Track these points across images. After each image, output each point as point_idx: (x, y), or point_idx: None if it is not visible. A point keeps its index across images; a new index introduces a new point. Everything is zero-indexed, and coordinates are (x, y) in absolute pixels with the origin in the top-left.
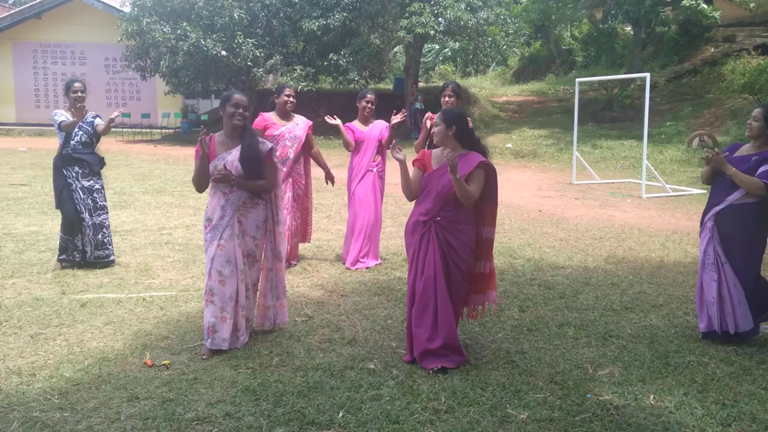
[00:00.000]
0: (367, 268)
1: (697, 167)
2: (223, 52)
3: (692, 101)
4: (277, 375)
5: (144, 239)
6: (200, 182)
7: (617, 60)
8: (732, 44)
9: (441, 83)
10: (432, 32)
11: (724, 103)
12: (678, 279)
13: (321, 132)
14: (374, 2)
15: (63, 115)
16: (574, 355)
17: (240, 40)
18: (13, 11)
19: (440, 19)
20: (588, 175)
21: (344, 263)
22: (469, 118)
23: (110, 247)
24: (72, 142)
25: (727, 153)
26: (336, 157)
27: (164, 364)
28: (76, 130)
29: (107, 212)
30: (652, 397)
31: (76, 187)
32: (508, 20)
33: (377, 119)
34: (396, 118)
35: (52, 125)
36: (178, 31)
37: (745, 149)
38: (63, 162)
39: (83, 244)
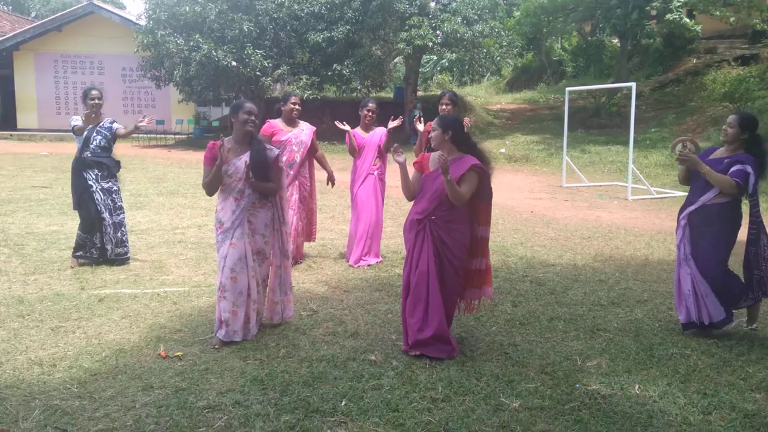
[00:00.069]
0: (368, 265)
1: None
2: (234, 63)
3: (676, 109)
4: (283, 366)
5: (158, 238)
6: (213, 186)
7: (605, 70)
8: (713, 55)
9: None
10: (430, 44)
11: (705, 110)
12: (662, 276)
13: (325, 137)
14: (376, 16)
15: (78, 121)
16: (564, 348)
17: (249, 51)
18: (35, 24)
19: (438, 32)
20: (577, 179)
21: (347, 261)
22: (467, 118)
23: (127, 245)
24: (91, 146)
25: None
26: (339, 162)
27: (177, 356)
28: (95, 134)
29: (124, 212)
30: (637, 387)
31: (97, 188)
32: (502, 33)
33: (378, 126)
34: (393, 123)
35: (71, 131)
36: (191, 43)
37: (719, 152)
38: (83, 165)
39: (104, 243)
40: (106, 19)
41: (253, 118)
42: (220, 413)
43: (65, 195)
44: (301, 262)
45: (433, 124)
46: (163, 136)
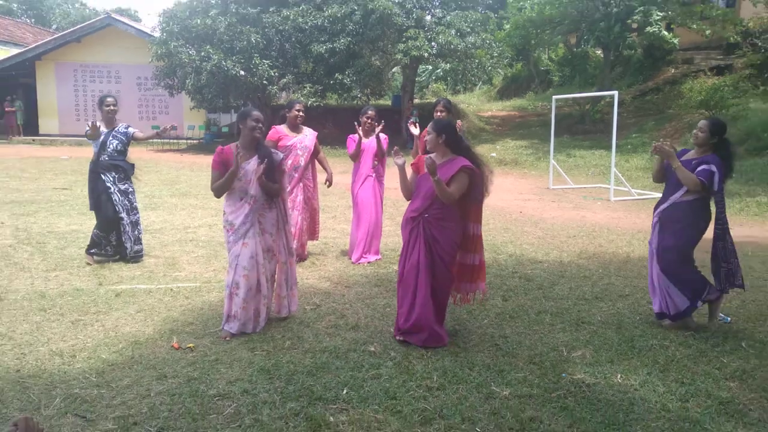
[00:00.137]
0: (368, 262)
1: None
2: (242, 72)
3: (655, 116)
4: (288, 356)
5: (171, 237)
6: (224, 190)
7: (589, 80)
8: (690, 66)
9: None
10: (426, 55)
11: (683, 117)
12: (642, 272)
13: (327, 142)
14: (375, 28)
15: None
16: (551, 339)
17: (257, 62)
18: (56, 35)
19: (433, 44)
20: (563, 181)
21: (349, 258)
22: (459, 121)
23: (142, 243)
24: (108, 150)
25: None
26: (340, 165)
27: (189, 347)
28: (111, 139)
29: (139, 212)
30: (619, 376)
31: (114, 190)
32: (493, 44)
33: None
34: (377, 129)
35: (84, 136)
36: (202, 54)
37: (690, 154)
38: (101, 168)
39: (122, 241)
40: (123, 31)
41: (260, 125)
42: (229, 401)
43: (84, 196)
44: (305, 259)
45: (428, 128)
46: (175, 140)
